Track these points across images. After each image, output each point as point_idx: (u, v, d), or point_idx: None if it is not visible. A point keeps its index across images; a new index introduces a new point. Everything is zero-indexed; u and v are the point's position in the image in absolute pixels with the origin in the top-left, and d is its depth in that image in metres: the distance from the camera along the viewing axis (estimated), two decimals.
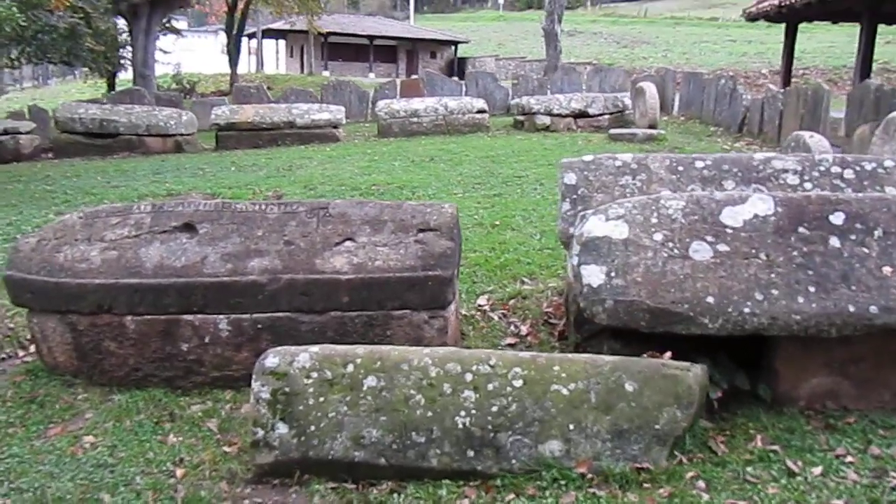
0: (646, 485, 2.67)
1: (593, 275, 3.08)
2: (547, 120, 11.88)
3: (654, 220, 3.18)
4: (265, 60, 37.51)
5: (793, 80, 15.99)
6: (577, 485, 2.68)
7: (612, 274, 3.06)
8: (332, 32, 31.63)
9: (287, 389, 2.83)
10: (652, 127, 10.75)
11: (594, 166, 4.02)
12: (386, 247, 3.63)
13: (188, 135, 12.20)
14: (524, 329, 4.18)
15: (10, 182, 9.13)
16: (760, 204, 3.20)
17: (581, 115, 11.97)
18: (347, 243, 3.66)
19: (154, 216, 3.83)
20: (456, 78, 20.50)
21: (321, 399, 2.81)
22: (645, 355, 2.99)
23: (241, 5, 24.25)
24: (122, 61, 23.16)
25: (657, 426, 2.77)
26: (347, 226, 3.70)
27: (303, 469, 2.79)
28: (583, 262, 3.13)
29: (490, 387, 2.81)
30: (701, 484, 2.68)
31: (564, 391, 2.80)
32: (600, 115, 11.99)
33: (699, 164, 4.00)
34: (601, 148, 9.88)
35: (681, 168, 3.99)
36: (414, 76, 29.76)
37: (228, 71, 31.48)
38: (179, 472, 2.98)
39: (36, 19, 16.68)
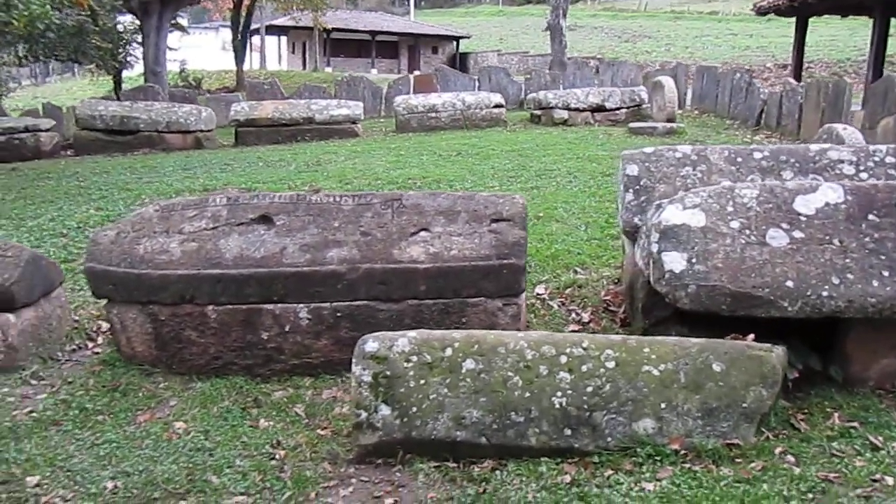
0: (738, 460, 2.79)
1: (675, 261, 3.20)
2: (565, 114, 11.99)
3: (729, 209, 3.30)
4: (267, 57, 37.51)
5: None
6: (672, 460, 2.80)
7: (693, 260, 3.18)
8: (334, 28, 31.67)
9: (388, 373, 2.93)
10: (670, 120, 10.87)
11: (655, 157, 4.13)
12: (461, 236, 3.74)
13: (207, 131, 12.28)
14: (585, 316, 4.30)
15: (40, 179, 9.19)
16: (831, 192, 3.31)
17: (598, 109, 12.08)
18: (423, 233, 3.76)
19: (230, 209, 3.93)
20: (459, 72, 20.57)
21: (422, 381, 2.92)
22: (728, 338, 3.10)
23: (246, 1, 24.28)
24: (128, 59, 23.22)
25: (744, 404, 2.89)
26: (422, 216, 3.81)
27: (405, 449, 2.90)
28: (663, 249, 3.24)
29: (584, 368, 2.92)
30: (790, 458, 2.80)
31: (655, 372, 2.91)
32: (617, 108, 12.10)
33: (757, 155, 4.11)
34: (623, 142, 10.00)
35: (739, 159, 4.10)
36: (417, 72, 29.83)
37: (231, 67, 31.48)
38: (280, 453, 3.09)
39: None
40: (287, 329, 3.75)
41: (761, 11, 15.28)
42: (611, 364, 2.93)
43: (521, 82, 15.99)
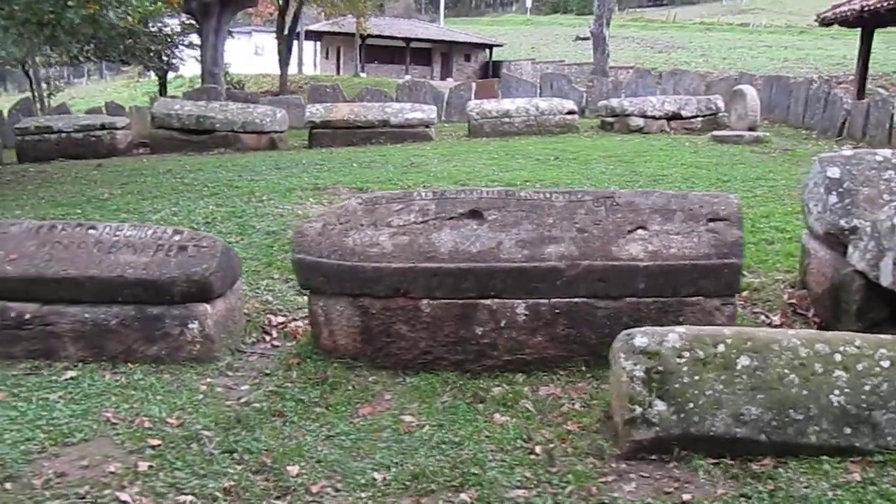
0: None
1: None
2: (640, 122, 11.97)
3: None
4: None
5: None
6: None
7: None
8: (370, 35, 31.79)
9: (661, 368, 2.91)
10: (751, 129, 10.83)
11: (855, 161, 4.11)
12: (679, 235, 3.72)
13: (281, 132, 12.32)
14: (775, 319, 4.27)
15: (134, 175, 9.23)
16: None
17: (674, 117, 12.05)
18: (640, 231, 3.75)
19: (438, 203, 3.92)
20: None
21: (696, 377, 2.90)
22: None
23: (293, 7, 24.40)
24: (172, 61, 23.38)
25: None
26: (637, 214, 3.80)
27: (681, 445, 2.88)
28: None
29: (859, 367, 2.89)
30: None
31: None
32: (693, 117, 12.07)
33: None
34: (710, 149, 9.98)
35: None
36: (451, 79, 29.97)
37: (266, 71, 31.68)
38: (537, 448, 3.06)
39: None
40: (503, 325, 3.74)
41: (826, 22, 15.24)
42: (886, 363, 2.90)
43: (582, 90, 16.00)
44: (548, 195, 3.91)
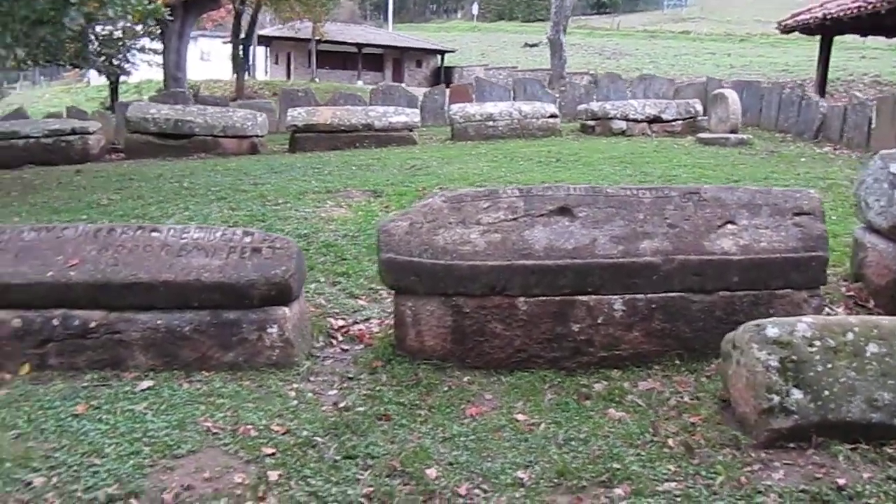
0: None
1: None
2: (623, 125, 12.19)
3: None
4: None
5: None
6: None
7: None
8: (322, 40, 31.51)
9: (794, 357, 2.97)
10: (733, 132, 11.16)
11: None
12: (767, 229, 3.80)
13: (262, 136, 12.09)
14: (840, 311, 4.39)
15: (126, 181, 8.89)
16: None
17: (654, 120, 12.32)
18: (729, 226, 3.81)
19: (526, 200, 3.91)
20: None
21: (829, 365, 2.96)
22: None
23: (250, 11, 23.99)
24: (125, 65, 22.61)
25: None
26: (724, 209, 3.86)
27: (818, 432, 2.93)
28: None
29: None
30: None
31: None
32: (673, 120, 12.35)
33: None
34: (699, 151, 10.23)
35: None
36: (402, 84, 29.83)
37: (215, 77, 31.06)
38: (671, 441, 3.08)
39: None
40: (599, 321, 3.74)
41: (787, 30, 15.83)
42: None
43: (555, 94, 16.20)
44: (634, 191, 3.95)
